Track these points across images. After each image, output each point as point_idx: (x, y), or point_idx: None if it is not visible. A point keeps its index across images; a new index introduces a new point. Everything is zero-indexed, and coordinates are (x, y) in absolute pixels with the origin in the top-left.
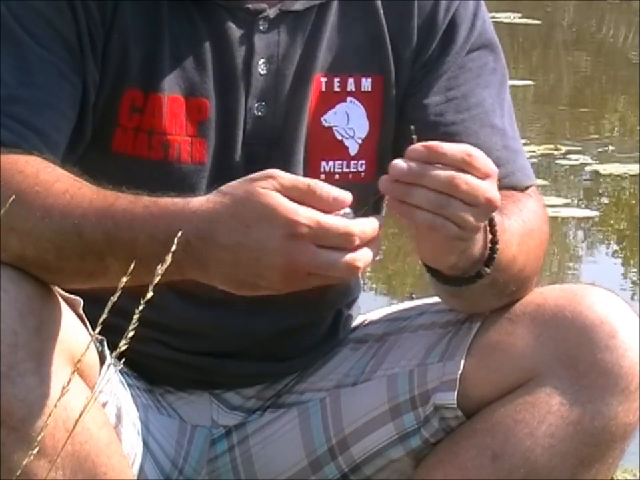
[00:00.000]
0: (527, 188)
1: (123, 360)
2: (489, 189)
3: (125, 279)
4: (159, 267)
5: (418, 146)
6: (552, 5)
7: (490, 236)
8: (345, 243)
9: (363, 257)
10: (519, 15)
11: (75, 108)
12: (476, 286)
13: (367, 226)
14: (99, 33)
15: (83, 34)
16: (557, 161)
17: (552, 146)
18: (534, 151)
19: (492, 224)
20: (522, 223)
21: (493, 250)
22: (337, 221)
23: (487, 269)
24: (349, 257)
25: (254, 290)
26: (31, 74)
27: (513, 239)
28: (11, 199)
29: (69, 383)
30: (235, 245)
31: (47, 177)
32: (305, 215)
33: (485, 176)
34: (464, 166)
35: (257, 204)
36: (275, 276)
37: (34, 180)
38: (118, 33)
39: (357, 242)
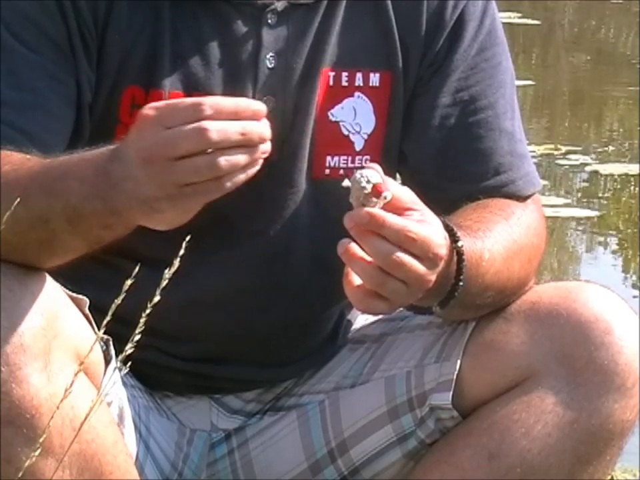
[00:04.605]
0: (528, 196)
1: (130, 364)
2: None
3: (129, 280)
4: (166, 270)
5: (363, 212)
6: (552, 5)
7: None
8: (194, 113)
9: (214, 125)
10: (519, 14)
11: (72, 108)
12: (443, 312)
13: (225, 100)
14: (92, 34)
15: (73, 36)
16: (557, 161)
17: (552, 146)
18: (534, 151)
19: (460, 266)
20: (507, 245)
21: (456, 285)
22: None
23: (451, 300)
24: (195, 124)
25: (148, 210)
26: (21, 78)
27: (489, 268)
28: None
29: (71, 384)
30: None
31: None
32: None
33: (422, 256)
34: (401, 243)
35: None
36: (137, 169)
37: None
38: (114, 33)
39: (209, 112)
